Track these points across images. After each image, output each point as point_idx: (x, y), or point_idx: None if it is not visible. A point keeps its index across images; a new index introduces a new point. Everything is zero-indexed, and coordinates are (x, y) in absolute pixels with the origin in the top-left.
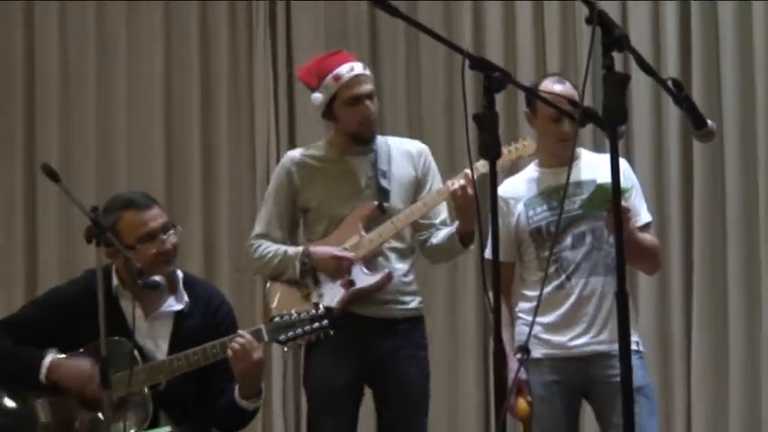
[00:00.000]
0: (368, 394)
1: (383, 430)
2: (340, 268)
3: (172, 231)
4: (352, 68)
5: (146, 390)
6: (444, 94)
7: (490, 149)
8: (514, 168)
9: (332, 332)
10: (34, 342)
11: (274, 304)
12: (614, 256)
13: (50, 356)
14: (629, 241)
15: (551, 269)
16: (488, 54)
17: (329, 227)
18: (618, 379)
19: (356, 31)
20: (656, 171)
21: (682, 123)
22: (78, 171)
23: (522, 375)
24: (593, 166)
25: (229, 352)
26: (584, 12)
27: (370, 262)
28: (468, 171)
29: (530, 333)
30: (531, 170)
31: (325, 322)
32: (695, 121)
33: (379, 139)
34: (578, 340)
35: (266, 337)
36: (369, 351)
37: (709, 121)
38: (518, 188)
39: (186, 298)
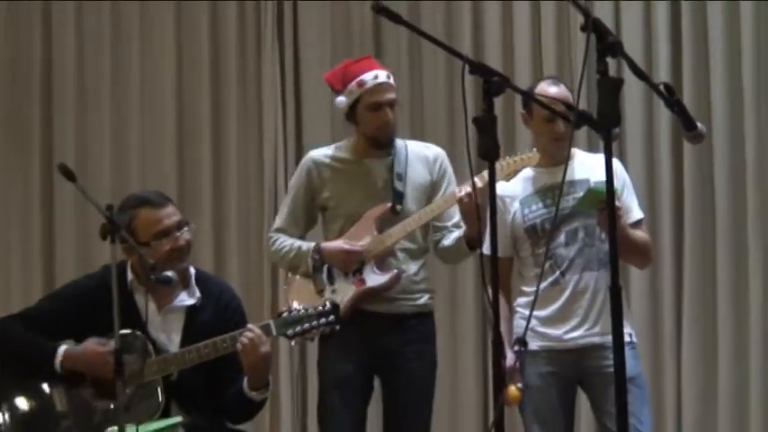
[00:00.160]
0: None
1: (389, 421)
2: (349, 261)
3: (186, 228)
4: (376, 76)
5: (158, 380)
6: (445, 97)
7: (489, 151)
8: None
9: (338, 327)
10: (51, 334)
11: (291, 298)
12: (606, 252)
13: (64, 346)
14: (620, 238)
15: (546, 265)
16: (487, 54)
17: (345, 226)
18: (611, 369)
19: (360, 31)
20: (648, 170)
21: (673, 125)
22: (93, 170)
23: (516, 363)
24: (586, 166)
25: (239, 345)
26: (580, 19)
27: (382, 261)
28: (476, 179)
29: (527, 326)
30: (527, 169)
31: (331, 318)
32: (686, 124)
33: (399, 143)
34: (573, 333)
35: (274, 332)
36: (378, 346)
37: (698, 124)
38: (514, 187)
39: (198, 293)
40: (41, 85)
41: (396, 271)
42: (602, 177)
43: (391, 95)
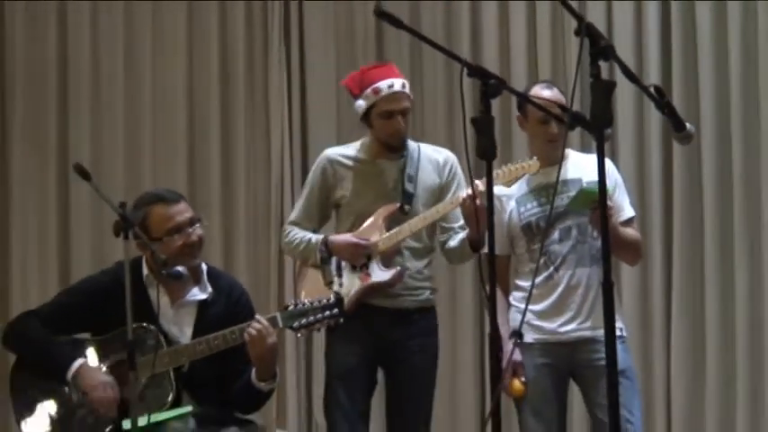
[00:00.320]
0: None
1: (392, 411)
2: (357, 255)
3: (197, 225)
4: (391, 85)
5: (170, 371)
6: (444, 98)
7: (487, 151)
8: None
9: (342, 320)
10: (67, 328)
11: (302, 288)
12: (599, 249)
13: (79, 362)
14: (611, 235)
15: (541, 261)
16: (484, 57)
17: (356, 222)
18: (603, 362)
19: (363, 32)
20: (639, 170)
21: (663, 127)
22: (107, 169)
23: (517, 357)
24: (579, 166)
25: (246, 336)
26: (574, 23)
27: (388, 258)
28: (478, 182)
29: (522, 320)
30: None
31: (335, 311)
32: (675, 125)
33: (412, 145)
34: (566, 326)
35: (281, 324)
36: (382, 339)
37: (688, 125)
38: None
39: (210, 288)
40: (57, 87)
41: (399, 268)
42: (595, 177)
43: (404, 104)
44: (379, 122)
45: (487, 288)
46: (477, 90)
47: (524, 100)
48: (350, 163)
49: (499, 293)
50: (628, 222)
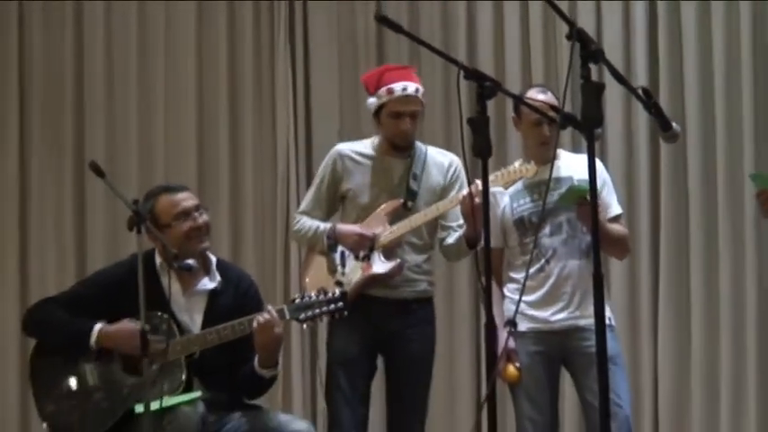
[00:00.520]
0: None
1: (391, 396)
2: (360, 244)
3: (203, 211)
4: (405, 88)
5: (182, 359)
6: (441, 99)
7: (482, 150)
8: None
9: (346, 313)
10: (84, 314)
11: (307, 275)
12: (588, 243)
13: (99, 324)
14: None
15: (533, 254)
16: (480, 61)
17: (360, 215)
18: (593, 349)
19: (365, 31)
20: (627, 168)
21: (650, 126)
22: (121, 167)
23: (511, 344)
24: (570, 165)
25: (255, 324)
26: (565, 28)
27: (389, 251)
28: (478, 182)
29: (516, 309)
30: (516, 166)
31: (340, 304)
32: (662, 125)
33: (419, 147)
34: (558, 316)
35: (288, 316)
36: (382, 328)
37: (674, 124)
38: (507, 168)
39: (219, 278)
40: (73, 87)
41: (399, 261)
42: (584, 175)
43: (413, 108)
44: (387, 122)
45: (483, 280)
46: (474, 92)
47: (519, 102)
48: (359, 158)
49: (493, 285)
50: (615, 219)
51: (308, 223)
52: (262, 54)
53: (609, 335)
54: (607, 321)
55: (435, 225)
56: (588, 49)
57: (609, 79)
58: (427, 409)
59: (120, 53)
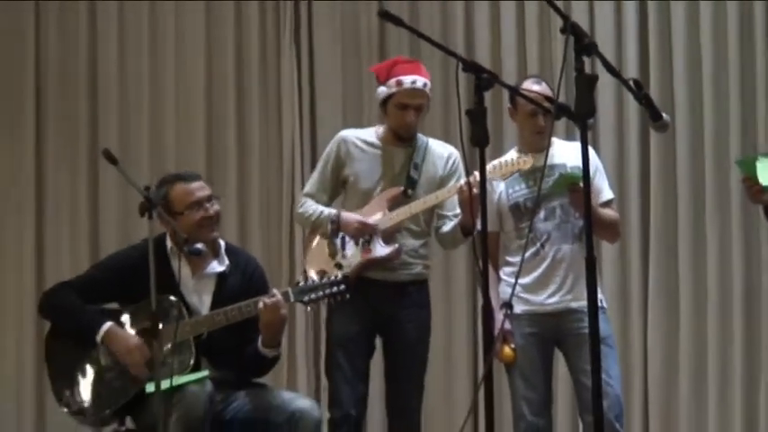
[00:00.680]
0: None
1: (389, 377)
2: (362, 231)
3: (215, 201)
4: (414, 81)
5: (191, 339)
6: (440, 91)
7: (480, 139)
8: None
9: (348, 296)
10: (98, 298)
11: (308, 255)
12: (581, 227)
13: (108, 324)
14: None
15: (528, 238)
16: (477, 54)
17: (361, 201)
18: (585, 331)
19: (367, 30)
20: (619, 156)
21: (640, 116)
22: (133, 155)
23: (507, 326)
24: (563, 153)
25: (260, 305)
26: (560, 22)
27: (389, 236)
28: (476, 173)
29: (512, 292)
30: (512, 154)
31: (342, 287)
32: (652, 115)
33: (421, 138)
34: (552, 298)
35: (292, 298)
36: (379, 309)
37: (664, 115)
38: (503, 159)
39: (227, 261)
40: (87, 81)
41: (398, 246)
42: (577, 162)
43: (419, 101)
44: (393, 112)
45: (480, 263)
46: (472, 84)
47: (515, 93)
48: (362, 145)
49: (490, 268)
50: (607, 204)
51: (312, 207)
52: (268, 51)
53: (601, 317)
54: (599, 304)
55: (432, 213)
56: (582, 43)
57: (601, 72)
58: (424, 384)
59: (132, 49)
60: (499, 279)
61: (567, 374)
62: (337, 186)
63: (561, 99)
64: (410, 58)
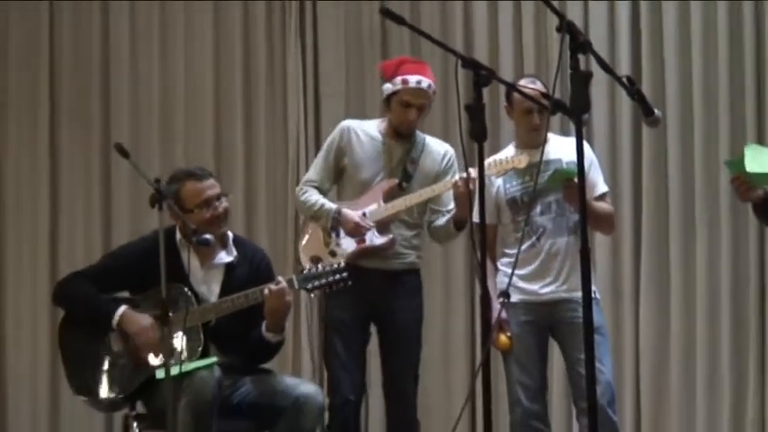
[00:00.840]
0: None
1: (384, 365)
2: (357, 231)
3: (224, 199)
4: (419, 81)
5: (199, 326)
6: (440, 88)
7: (478, 134)
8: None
9: (350, 283)
10: (111, 286)
11: (303, 241)
12: (576, 221)
13: (123, 308)
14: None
15: (524, 231)
16: (476, 52)
17: (357, 191)
18: (579, 320)
19: (370, 29)
20: (612, 150)
21: (632, 112)
22: (145, 148)
23: (503, 315)
24: (559, 148)
25: (266, 291)
26: (556, 21)
27: (384, 227)
28: (471, 170)
29: (509, 282)
30: (510, 150)
31: (344, 275)
32: (645, 110)
33: (419, 135)
34: (547, 288)
35: (296, 285)
36: (374, 298)
37: (656, 110)
38: (500, 156)
39: (235, 252)
40: (100, 77)
41: (392, 236)
42: (572, 157)
43: (422, 101)
44: (397, 108)
45: (478, 255)
46: (470, 80)
47: (512, 89)
48: (364, 136)
49: (487, 259)
50: (601, 197)
51: (314, 197)
52: (274, 49)
53: (594, 307)
54: (592, 295)
55: (425, 206)
56: (577, 41)
57: (595, 68)
58: (419, 369)
59: (143, 48)
60: (496, 270)
61: (561, 362)
62: (338, 174)
63: (557, 95)
64: (417, 59)
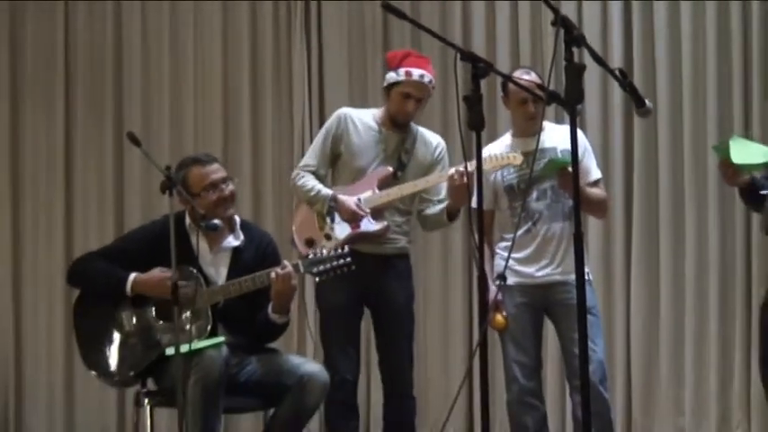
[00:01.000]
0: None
1: (380, 346)
2: (353, 217)
3: (230, 182)
4: (422, 75)
5: (208, 307)
6: (439, 80)
7: (476, 124)
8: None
9: (354, 267)
10: (123, 266)
11: (296, 224)
12: (570, 206)
13: (134, 273)
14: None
15: (521, 217)
16: (474, 45)
17: (351, 177)
18: (573, 301)
19: (372, 26)
20: (604, 139)
21: (624, 103)
22: (155, 138)
23: (500, 297)
24: (554, 136)
25: (272, 275)
26: (551, 16)
27: (378, 213)
28: (468, 163)
29: (506, 265)
30: (507, 138)
31: (348, 260)
32: (636, 102)
33: (412, 126)
34: (542, 271)
35: (302, 270)
36: (367, 281)
37: (647, 102)
38: (497, 152)
39: (242, 237)
40: (113, 71)
41: (386, 223)
42: (567, 145)
43: (422, 94)
44: (397, 99)
45: (476, 239)
46: (469, 72)
47: (508, 80)
48: (360, 125)
49: (485, 244)
50: (595, 183)
51: (311, 182)
52: (280, 46)
53: (587, 289)
54: (585, 276)
55: (414, 196)
56: (571, 35)
57: (588, 62)
58: (413, 348)
59: (154, 45)
60: (493, 254)
61: (555, 342)
62: (334, 160)
63: (552, 87)
64: (421, 54)
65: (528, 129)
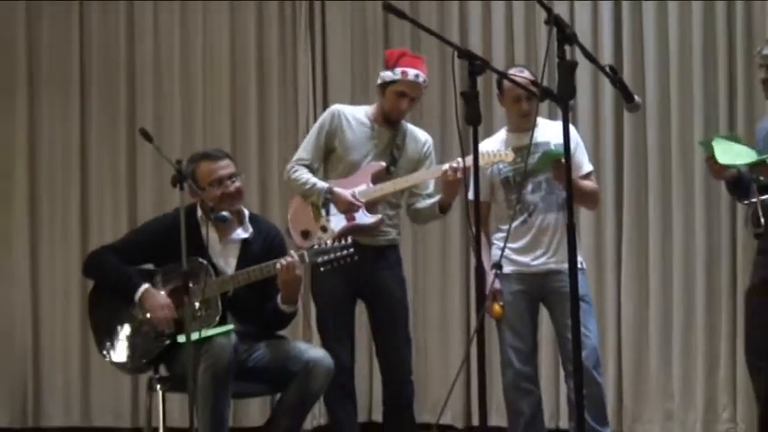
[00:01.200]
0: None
1: (377, 335)
2: (349, 209)
3: (236, 178)
4: (417, 75)
5: (217, 296)
6: (438, 78)
7: (473, 119)
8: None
9: (356, 258)
10: (136, 259)
11: (290, 214)
12: (564, 198)
13: (145, 286)
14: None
15: (517, 208)
16: (470, 41)
17: (344, 171)
18: (567, 289)
19: (373, 26)
20: (595, 134)
21: (614, 98)
22: (167, 134)
23: (497, 285)
24: (547, 131)
25: (278, 266)
26: (544, 15)
27: (372, 206)
28: (459, 159)
29: (502, 255)
30: (502, 133)
31: (351, 250)
32: (626, 97)
33: (403, 123)
34: (537, 260)
35: (307, 260)
36: (361, 271)
37: (636, 97)
38: (492, 147)
39: (251, 229)
40: (126, 70)
41: (380, 216)
42: (560, 140)
43: (416, 93)
44: (391, 96)
45: (473, 229)
46: (466, 70)
47: (504, 77)
48: (353, 121)
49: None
50: (587, 176)
51: (305, 175)
52: (286, 44)
53: (580, 277)
54: (579, 265)
55: (405, 190)
56: (564, 33)
57: (580, 59)
58: (410, 334)
59: (165, 43)
60: (490, 244)
61: (550, 328)
62: (327, 154)
63: (545, 84)
64: (416, 54)
65: (522, 125)
